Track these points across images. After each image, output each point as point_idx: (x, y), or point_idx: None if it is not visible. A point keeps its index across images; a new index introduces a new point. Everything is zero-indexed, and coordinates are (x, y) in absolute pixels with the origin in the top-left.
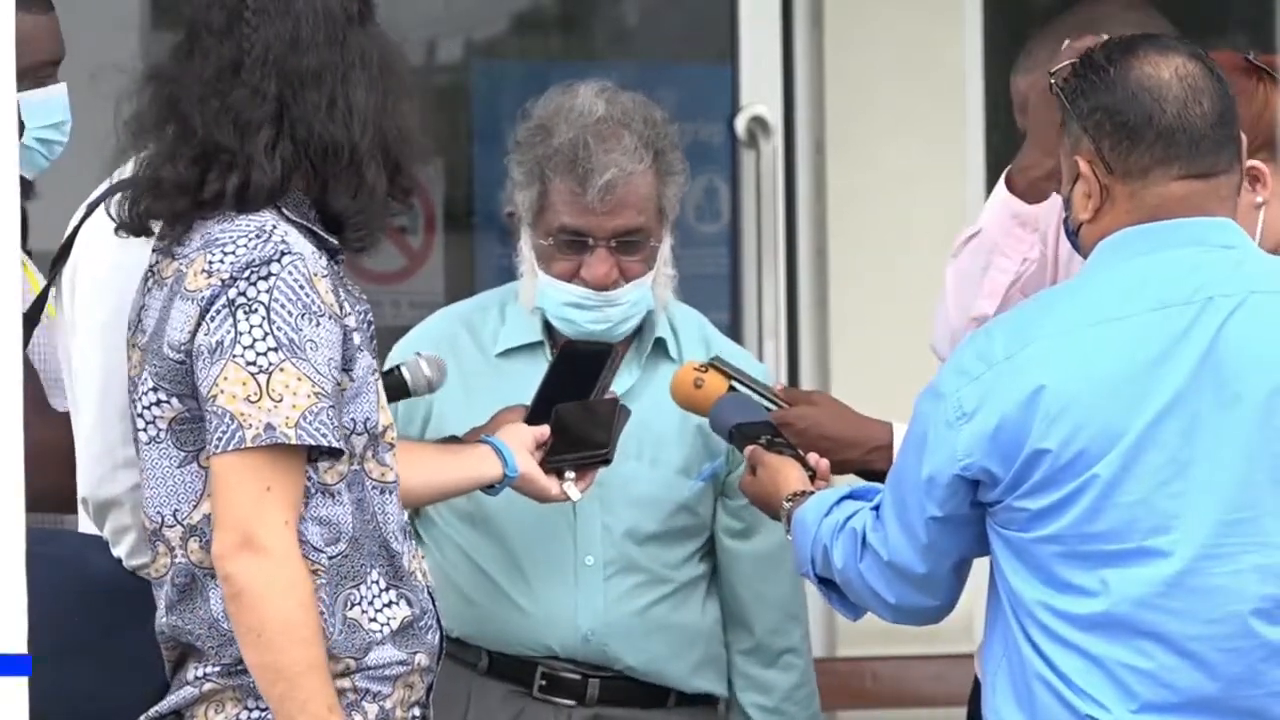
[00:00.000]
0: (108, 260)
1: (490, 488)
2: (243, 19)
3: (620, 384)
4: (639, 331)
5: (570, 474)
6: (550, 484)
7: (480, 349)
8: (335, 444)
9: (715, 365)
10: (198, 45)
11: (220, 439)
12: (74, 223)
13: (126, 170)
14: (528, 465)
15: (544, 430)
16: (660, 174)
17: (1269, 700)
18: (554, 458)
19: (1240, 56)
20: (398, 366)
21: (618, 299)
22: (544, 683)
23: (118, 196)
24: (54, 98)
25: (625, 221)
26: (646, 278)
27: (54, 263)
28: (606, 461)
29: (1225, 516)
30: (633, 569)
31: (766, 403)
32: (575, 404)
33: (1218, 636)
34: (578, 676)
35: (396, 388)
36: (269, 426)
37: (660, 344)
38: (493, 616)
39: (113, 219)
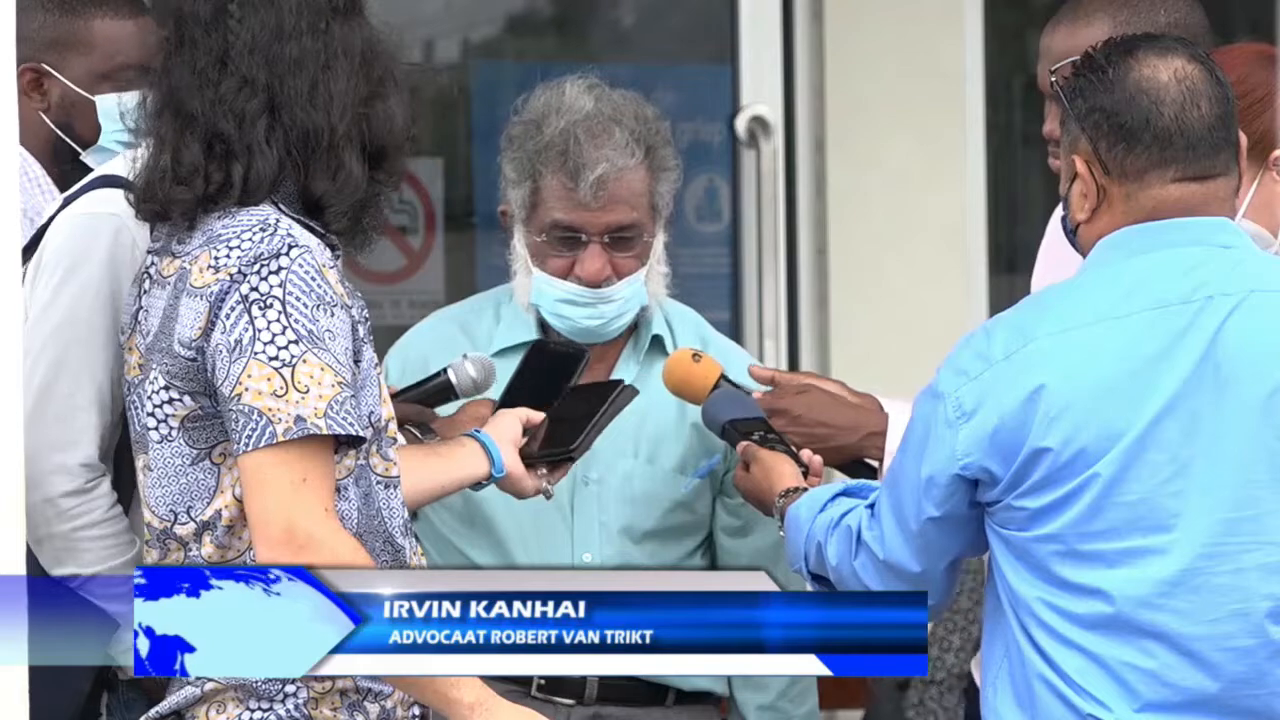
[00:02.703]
0: (68, 263)
1: (476, 485)
2: (228, 10)
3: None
4: (635, 328)
5: (543, 470)
6: (530, 483)
7: (476, 349)
8: (361, 433)
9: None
10: (186, 36)
11: (250, 436)
12: (49, 211)
13: (113, 166)
14: (513, 463)
15: (533, 414)
16: (653, 170)
17: (1272, 699)
18: (525, 455)
19: (1268, 47)
20: (444, 369)
21: (611, 295)
22: (542, 681)
23: (135, 185)
24: (129, 103)
25: (618, 217)
26: (640, 273)
27: (25, 250)
28: (570, 459)
29: (1227, 515)
30: (630, 566)
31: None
32: (577, 388)
33: (1220, 636)
34: (576, 675)
35: (442, 390)
36: (299, 419)
37: (657, 340)
38: None
39: (130, 205)
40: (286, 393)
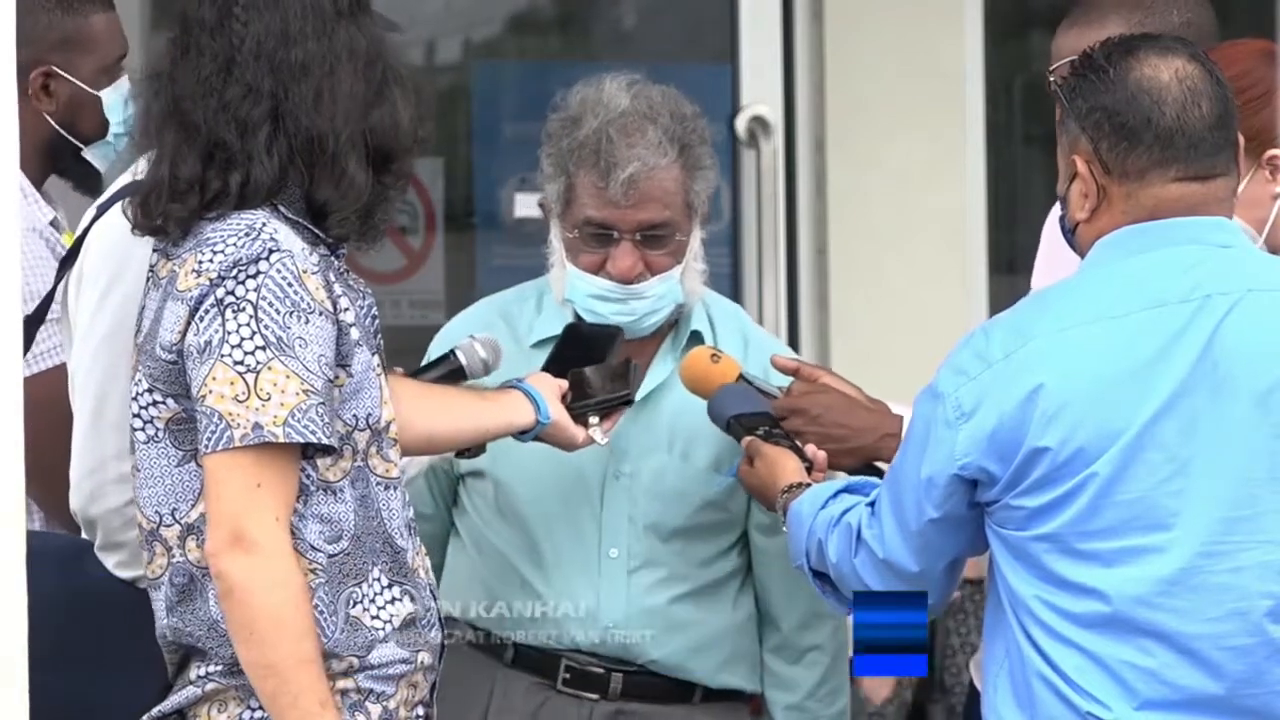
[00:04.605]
0: (111, 270)
1: (522, 434)
2: (233, 15)
3: (655, 376)
4: (675, 325)
5: (594, 419)
6: (578, 431)
7: (516, 339)
8: (326, 441)
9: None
10: (191, 42)
11: (210, 439)
12: (84, 224)
13: (138, 171)
14: (559, 412)
15: (566, 382)
16: (687, 168)
17: (1271, 699)
18: (578, 405)
19: (1271, 44)
20: (452, 350)
21: (643, 292)
22: (568, 676)
23: (133, 198)
24: (123, 93)
25: (650, 215)
26: (674, 271)
27: (62, 263)
28: (629, 402)
29: (1225, 514)
30: (657, 563)
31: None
32: (591, 366)
33: (1219, 635)
34: (601, 670)
35: (452, 372)
36: (256, 426)
37: (696, 337)
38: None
39: (129, 219)
40: (248, 398)
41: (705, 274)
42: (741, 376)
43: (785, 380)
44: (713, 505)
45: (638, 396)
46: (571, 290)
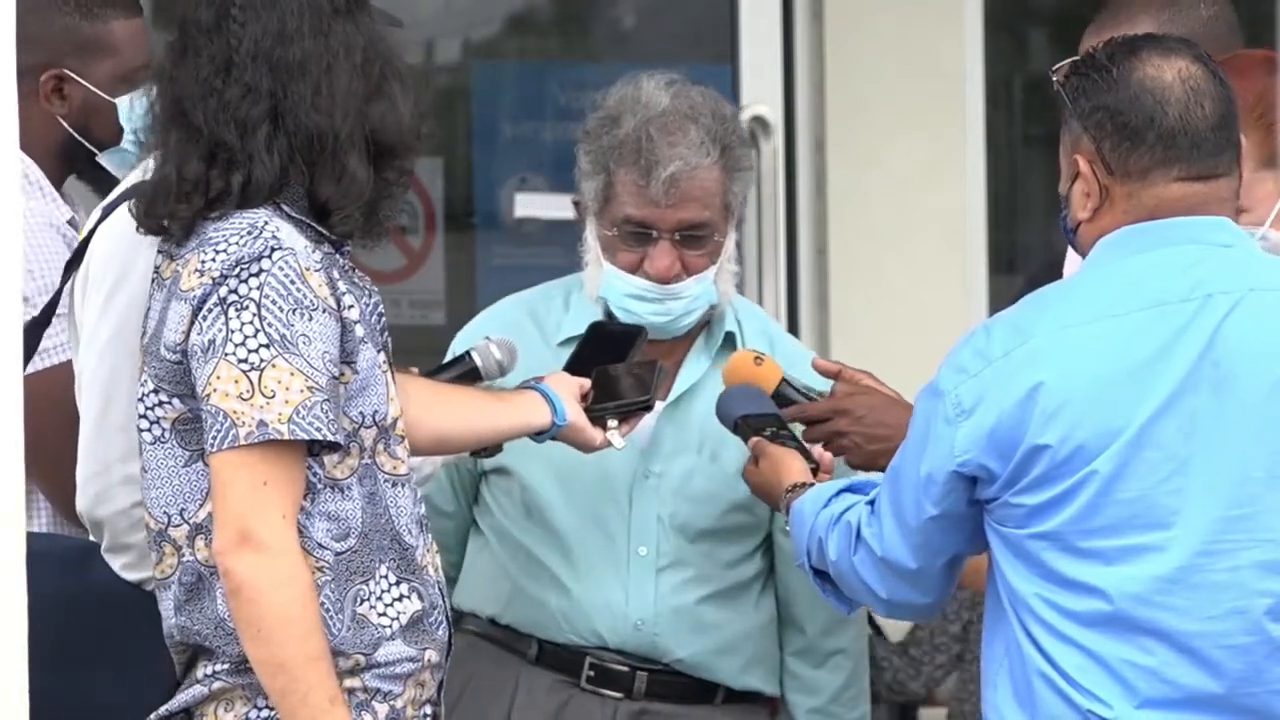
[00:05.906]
0: (116, 272)
1: (538, 435)
2: (230, 16)
3: (687, 377)
4: (708, 325)
5: (613, 422)
6: (595, 433)
7: (543, 337)
8: (331, 437)
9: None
10: (190, 43)
11: (215, 437)
12: (89, 225)
13: (140, 173)
14: (576, 414)
15: (588, 381)
16: (727, 169)
17: (1270, 697)
18: (596, 407)
19: (1272, 53)
20: (468, 352)
21: (680, 292)
22: (592, 674)
23: (139, 198)
24: (139, 105)
25: (689, 215)
26: (709, 272)
27: (68, 265)
28: (648, 408)
29: (1225, 513)
30: (685, 563)
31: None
32: (615, 365)
33: (1219, 633)
34: (626, 669)
35: (468, 373)
36: (261, 424)
37: (729, 338)
38: (544, 603)
39: (133, 218)
40: (252, 396)
41: (738, 276)
42: (784, 380)
43: (823, 383)
44: (740, 508)
45: (670, 398)
46: (607, 289)
